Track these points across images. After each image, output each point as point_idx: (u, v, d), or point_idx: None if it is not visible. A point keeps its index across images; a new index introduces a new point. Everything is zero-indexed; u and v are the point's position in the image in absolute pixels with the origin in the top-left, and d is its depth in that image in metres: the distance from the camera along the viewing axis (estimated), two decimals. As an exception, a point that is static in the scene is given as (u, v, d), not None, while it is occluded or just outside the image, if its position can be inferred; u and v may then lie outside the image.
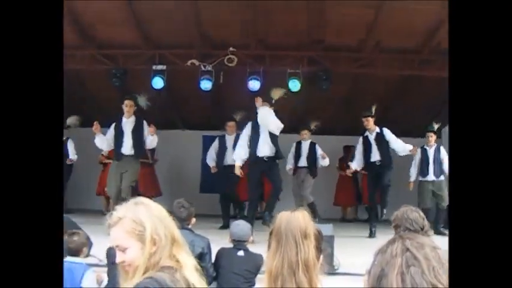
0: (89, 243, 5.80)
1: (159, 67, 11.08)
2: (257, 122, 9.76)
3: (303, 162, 11.83)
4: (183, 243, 2.53)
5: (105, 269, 5.63)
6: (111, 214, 2.51)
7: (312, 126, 11.96)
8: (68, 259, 5.42)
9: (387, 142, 10.52)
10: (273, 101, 9.79)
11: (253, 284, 5.50)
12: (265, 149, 9.72)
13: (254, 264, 5.41)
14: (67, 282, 5.24)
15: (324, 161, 11.84)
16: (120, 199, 9.79)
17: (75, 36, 11.05)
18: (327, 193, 13.58)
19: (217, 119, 11.96)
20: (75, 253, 5.32)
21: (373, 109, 10.56)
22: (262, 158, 9.70)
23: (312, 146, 11.92)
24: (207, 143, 13.11)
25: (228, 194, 11.59)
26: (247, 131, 9.94)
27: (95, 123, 9.89)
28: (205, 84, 10.92)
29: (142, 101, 10.15)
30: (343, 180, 13.72)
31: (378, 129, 10.69)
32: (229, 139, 11.57)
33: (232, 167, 11.13)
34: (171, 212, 2.84)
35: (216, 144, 11.80)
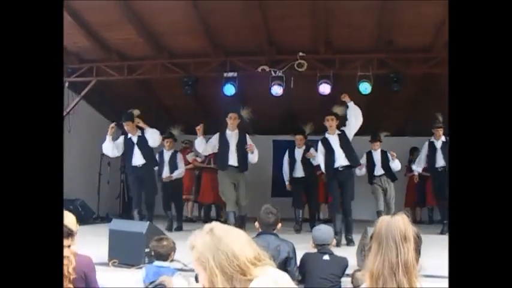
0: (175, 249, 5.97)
1: (230, 74, 11.25)
2: (326, 138, 9.93)
3: (378, 170, 11.85)
4: (260, 268, 2.54)
5: (190, 273, 5.75)
6: (189, 239, 2.61)
7: (382, 136, 12.05)
8: (156, 263, 5.60)
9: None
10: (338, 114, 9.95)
11: (339, 287, 5.54)
12: (340, 159, 9.84)
13: (340, 267, 5.46)
14: (156, 286, 5.41)
15: (395, 165, 11.90)
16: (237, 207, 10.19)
17: (148, 47, 11.33)
18: (397, 195, 13.53)
19: (288, 123, 12.07)
20: (165, 258, 5.50)
21: (440, 118, 10.77)
22: (338, 168, 9.82)
23: (384, 154, 11.98)
24: (277, 147, 13.26)
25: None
26: (320, 147, 10.12)
27: (200, 125, 10.15)
28: (276, 90, 11.02)
29: (246, 113, 10.36)
30: (412, 182, 13.70)
31: (443, 138, 11.16)
32: (298, 152, 11.81)
33: (300, 179, 11.66)
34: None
35: (286, 156, 11.97)
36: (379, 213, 11.59)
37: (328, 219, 13.28)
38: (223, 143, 10.28)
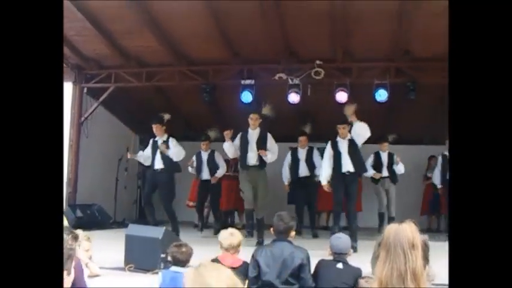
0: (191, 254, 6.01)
1: (248, 81, 11.35)
2: (336, 141, 9.94)
3: (384, 172, 12.00)
4: None
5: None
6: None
7: (390, 139, 12.24)
8: (172, 269, 5.64)
9: None
10: (349, 118, 9.94)
11: (350, 297, 5.54)
12: (347, 165, 9.86)
13: (352, 277, 5.47)
14: (170, 291, 5.45)
15: (399, 168, 12.22)
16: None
17: (166, 54, 11.43)
18: (413, 202, 13.52)
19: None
20: (183, 264, 5.54)
21: None
22: (345, 173, 9.84)
23: (390, 157, 12.22)
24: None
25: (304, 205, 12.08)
26: (329, 150, 10.13)
27: (229, 130, 10.30)
28: (293, 98, 11.09)
29: (267, 110, 10.43)
30: (428, 190, 13.70)
31: None
32: (301, 152, 11.93)
33: (306, 178, 11.67)
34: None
35: (288, 157, 12.00)
36: (381, 215, 11.84)
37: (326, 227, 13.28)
38: (244, 142, 10.37)
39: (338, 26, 10.13)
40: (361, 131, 9.69)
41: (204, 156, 12.29)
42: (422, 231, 8.94)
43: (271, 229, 5.59)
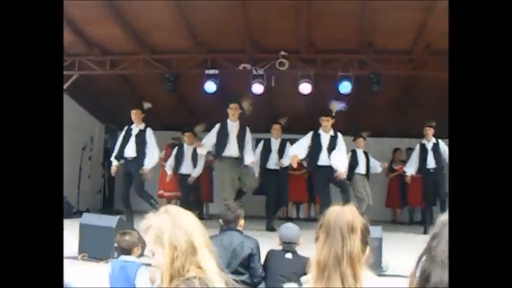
0: (142, 243, 5.96)
1: (212, 71, 11.25)
2: (318, 133, 10.02)
3: (361, 169, 12.02)
4: (207, 251, 2.66)
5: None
6: (143, 222, 2.73)
7: (365, 135, 12.40)
8: (121, 258, 5.61)
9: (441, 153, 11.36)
10: (333, 114, 10.00)
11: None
12: (325, 158, 9.98)
13: (301, 267, 5.47)
14: (121, 280, 5.43)
15: (379, 168, 12.59)
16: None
17: (130, 43, 11.33)
18: (378, 195, 13.61)
19: (269, 122, 12.09)
20: (128, 252, 5.50)
21: (433, 123, 11.04)
22: (321, 165, 9.96)
23: (366, 155, 12.41)
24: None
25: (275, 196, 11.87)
26: (307, 139, 10.21)
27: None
28: (257, 88, 11.02)
29: (246, 105, 10.41)
30: (394, 182, 13.82)
31: (434, 140, 11.53)
32: (275, 143, 11.84)
33: (276, 170, 11.59)
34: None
35: (259, 147, 11.95)
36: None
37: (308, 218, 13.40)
38: (223, 133, 10.43)
39: (302, 17, 10.15)
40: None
41: (188, 150, 12.23)
42: (386, 223, 9.04)
43: (220, 219, 5.59)
